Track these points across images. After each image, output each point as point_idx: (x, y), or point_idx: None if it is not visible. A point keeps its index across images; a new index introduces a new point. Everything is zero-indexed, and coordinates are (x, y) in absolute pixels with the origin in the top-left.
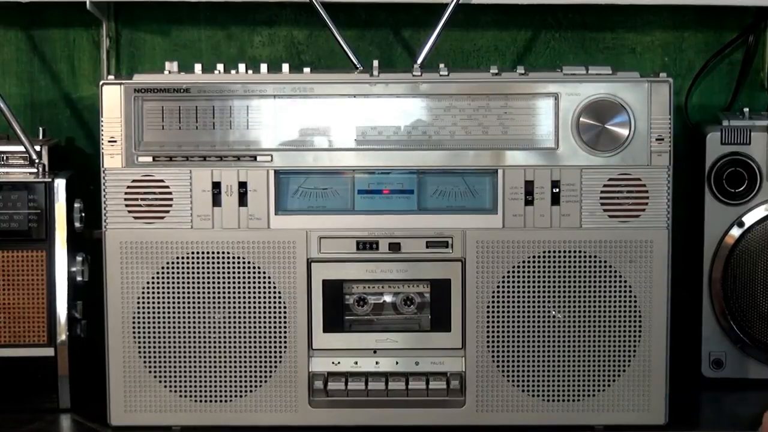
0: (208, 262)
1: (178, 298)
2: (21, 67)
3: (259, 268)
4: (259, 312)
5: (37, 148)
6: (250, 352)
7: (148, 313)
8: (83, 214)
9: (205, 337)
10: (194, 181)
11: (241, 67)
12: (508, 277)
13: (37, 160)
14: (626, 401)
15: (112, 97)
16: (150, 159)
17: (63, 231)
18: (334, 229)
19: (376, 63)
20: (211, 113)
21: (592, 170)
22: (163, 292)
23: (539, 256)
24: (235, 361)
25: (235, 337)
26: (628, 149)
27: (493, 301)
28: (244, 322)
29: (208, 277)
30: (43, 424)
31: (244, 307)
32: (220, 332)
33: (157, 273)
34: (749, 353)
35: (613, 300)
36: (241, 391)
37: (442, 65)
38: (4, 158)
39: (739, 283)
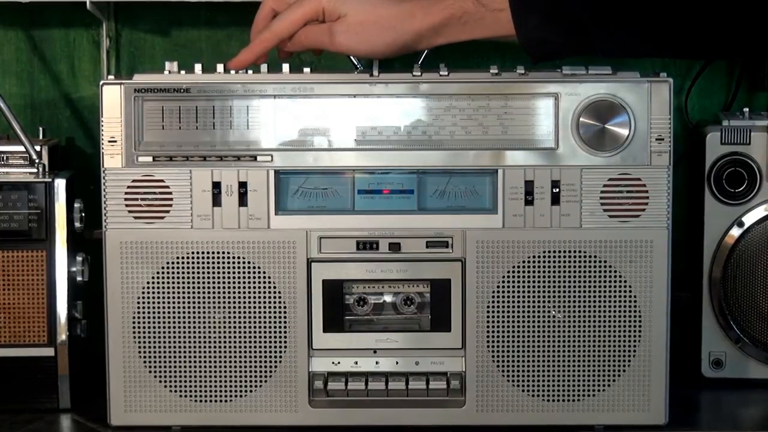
0: (208, 262)
1: (178, 298)
2: (21, 67)
3: (259, 268)
4: (259, 312)
5: (37, 148)
6: (250, 352)
7: (148, 313)
8: (83, 214)
9: (205, 337)
10: (194, 181)
11: None
12: (508, 277)
13: (37, 160)
14: (626, 401)
15: (112, 97)
16: (150, 159)
17: (63, 231)
18: (334, 229)
19: (376, 63)
20: (211, 113)
21: (592, 170)
22: (163, 292)
23: (539, 256)
24: (235, 361)
25: (235, 337)
26: (628, 149)
27: (493, 301)
28: (244, 322)
29: (208, 277)
30: (43, 424)
31: (244, 307)
32: (220, 332)
33: (157, 273)
34: (749, 353)
35: (613, 300)
36: (241, 391)
37: (442, 65)
38: (4, 158)
39: (739, 283)
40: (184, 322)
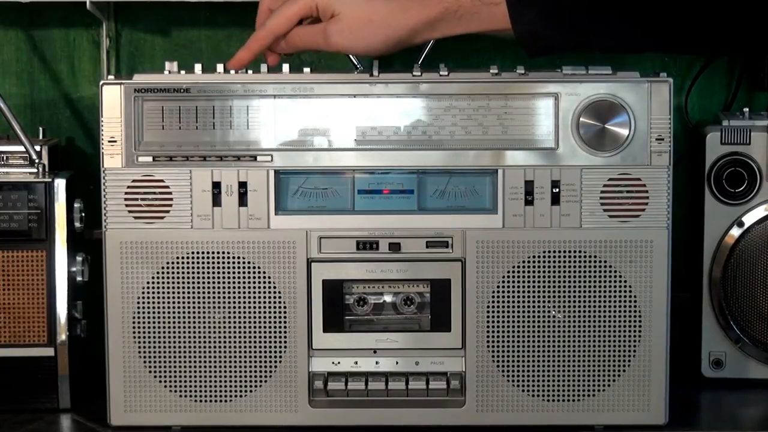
0: (208, 262)
1: (178, 298)
2: (21, 67)
3: (259, 268)
4: (259, 312)
5: (37, 148)
6: (250, 352)
7: (148, 313)
8: (83, 214)
9: (205, 337)
10: (194, 181)
11: None
12: (508, 277)
13: (37, 160)
14: (626, 401)
15: (112, 97)
16: (150, 159)
17: (63, 231)
18: (334, 229)
19: (376, 63)
20: (211, 113)
21: (592, 170)
22: (163, 292)
23: (539, 256)
24: (235, 361)
25: (235, 337)
26: (628, 149)
27: (493, 301)
28: (244, 322)
29: (208, 277)
30: (43, 424)
31: (244, 307)
32: (220, 332)
33: (157, 273)
34: (749, 353)
35: (613, 300)
36: (241, 391)
37: (442, 65)
38: (4, 158)
39: (739, 283)
40: (184, 322)
